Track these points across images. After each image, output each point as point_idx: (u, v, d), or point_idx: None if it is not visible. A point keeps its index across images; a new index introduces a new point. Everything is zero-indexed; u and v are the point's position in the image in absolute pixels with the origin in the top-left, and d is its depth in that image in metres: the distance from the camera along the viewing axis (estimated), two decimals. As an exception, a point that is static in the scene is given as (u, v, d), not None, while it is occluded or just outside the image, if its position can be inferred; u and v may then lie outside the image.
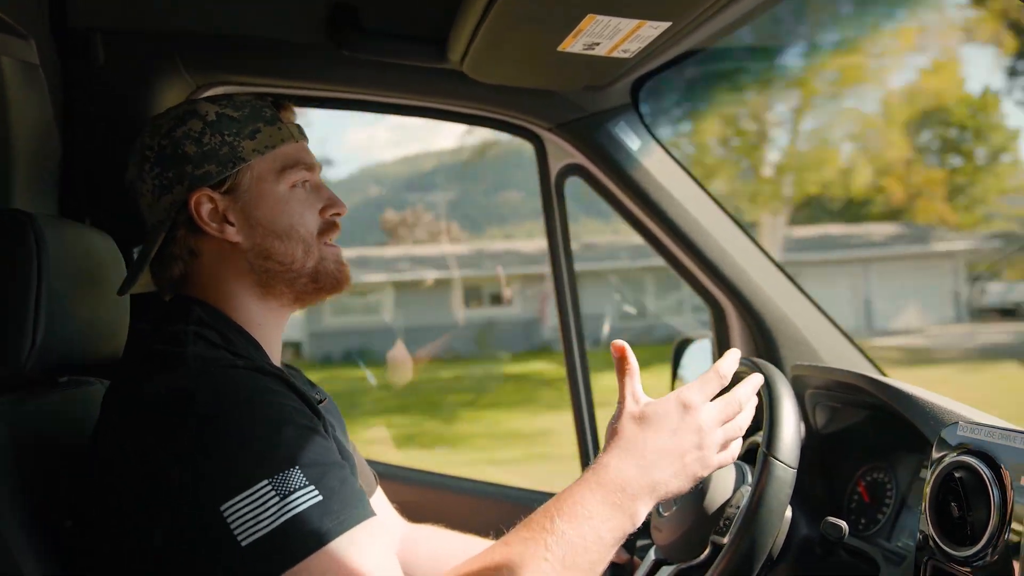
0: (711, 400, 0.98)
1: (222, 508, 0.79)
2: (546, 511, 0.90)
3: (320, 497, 0.81)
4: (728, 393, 1.00)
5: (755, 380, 1.04)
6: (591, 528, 0.89)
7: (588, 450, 1.73)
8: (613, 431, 0.96)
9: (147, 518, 0.83)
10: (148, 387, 0.88)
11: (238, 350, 0.96)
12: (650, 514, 1.27)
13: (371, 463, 1.33)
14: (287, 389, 0.91)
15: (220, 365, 0.90)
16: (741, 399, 1.00)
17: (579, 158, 1.61)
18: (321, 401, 1.11)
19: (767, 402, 1.12)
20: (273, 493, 0.80)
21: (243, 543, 0.78)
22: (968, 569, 0.91)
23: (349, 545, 0.81)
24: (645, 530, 1.28)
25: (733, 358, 1.02)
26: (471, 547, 1.32)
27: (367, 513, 0.85)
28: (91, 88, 1.34)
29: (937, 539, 0.95)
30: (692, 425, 0.95)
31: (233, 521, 0.79)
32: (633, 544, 1.38)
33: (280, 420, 0.85)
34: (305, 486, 0.81)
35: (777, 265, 1.63)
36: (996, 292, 15.00)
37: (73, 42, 1.32)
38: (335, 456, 0.88)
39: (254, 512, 0.79)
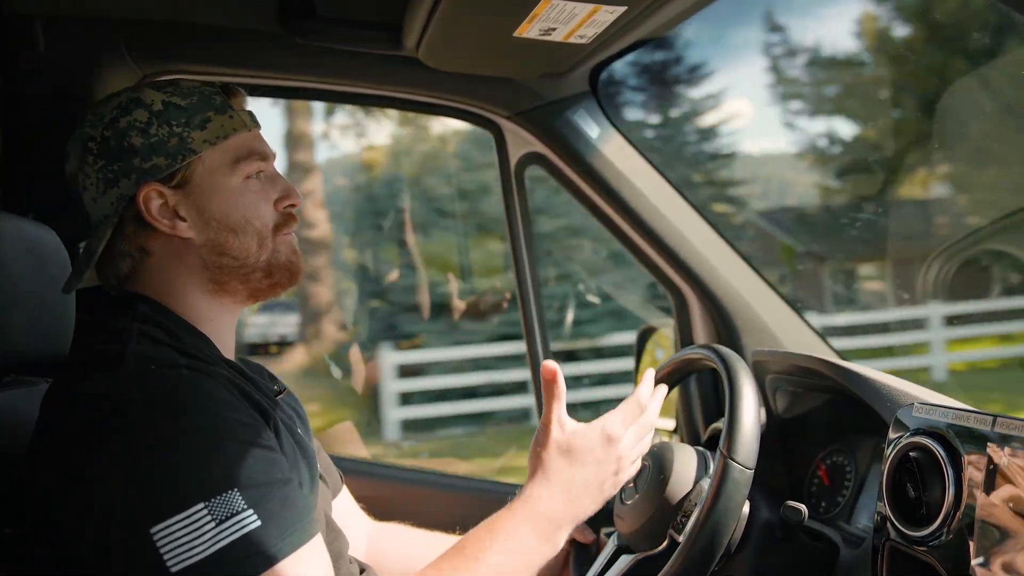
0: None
1: (153, 530, 0.76)
2: (478, 541, 0.95)
3: (259, 522, 0.78)
4: (640, 415, 1.07)
5: (648, 379, 1.12)
6: (521, 558, 0.95)
7: None
8: (539, 459, 1.01)
9: (74, 533, 0.79)
10: (84, 389, 0.85)
11: (186, 347, 0.93)
12: (612, 501, 1.28)
13: (335, 459, 1.31)
14: (234, 391, 0.88)
15: (162, 366, 0.86)
16: (651, 419, 1.09)
17: (538, 146, 1.60)
18: (280, 393, 1.08)
19: (728, 397, 1.11)
20: (209, 518, 0.77)
21: (173, 569, 0.75)
22: (924, 548, 0.92)
23: (286, 572, 0.79)
24: (609, 517, 1.28)
25: (650, 382, 1.11)
26: (438, 544, 1.31)
27: (307, 535, 0.83)
28: (33, 77, 1.29)
29: (894, 520, 0.96)
30: (613, 455, 1.03)
31: (164, 545, 0.76)
32: (599, 525, 1.38)
33: (220, 436, 0.82)
34: (243, 510, 0.78)
35: (737, 252, 1.64)
36: (259, 324, 11.98)
37: (12, 29, 1.27)
38: (278, 472, 0.85)
39: (188, 537, 0.76)
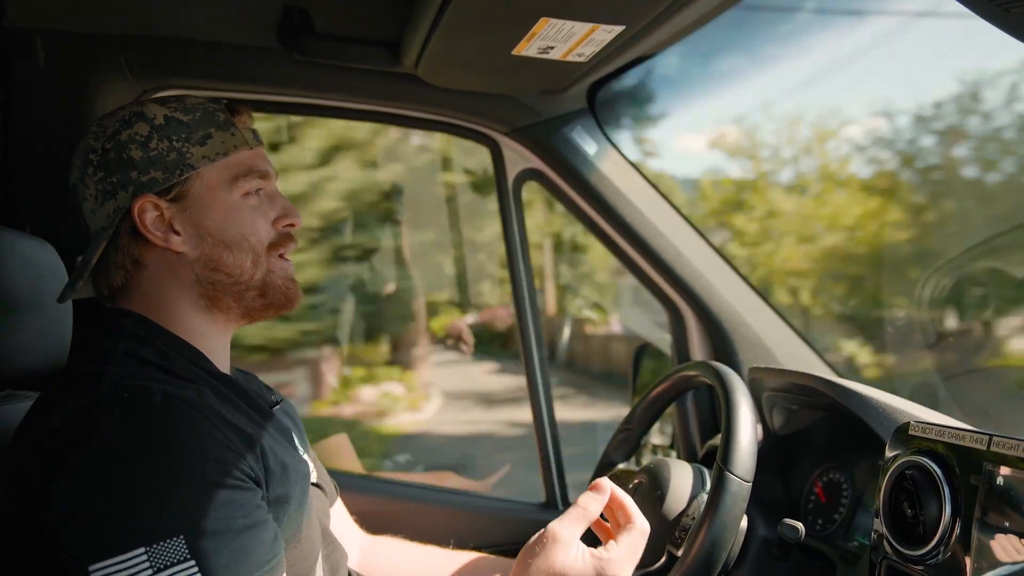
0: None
1: (91, 568, 0.74)
2: None
3: (199, 574, 0.76)
4: (633, 541, 0.97)
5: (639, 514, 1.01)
6: None
7: (548, 455, 1.72)
8: (525, 564, 0.92)
9: (23, 559, 0.78)
10: (54, 414, 0.84)
11: (174, 365, 0.92)
12: None
13: (332, 473, 1.31)
14: (213, 418, 0.86)
15: (135, 394, 0.84)
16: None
17: (536, 163, 1.61)
18: (276, 404, 1.08)
19: (724, 411, 1.11)
20: (147, 564, 0.75)
21: None
22: (921, 567, 0.92)
23: None
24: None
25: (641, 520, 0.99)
26: (429, 557, 1.31)
27: None
28: (32, 91, 1.30)
29: (890, 538, 0.96)
30: None
31: None
32: (595, 544, 1.37)
33: (178, 477, 0.80)
34: (184, 560, 0.76)
35: (734, 268, 1.64)
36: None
37: (12, 43, 1.27)
38: (240, 518, 0.82)
39: None
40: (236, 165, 0.99)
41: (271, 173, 1.03)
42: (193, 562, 0.76)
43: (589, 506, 0.96)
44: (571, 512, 0.95)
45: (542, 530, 0.95)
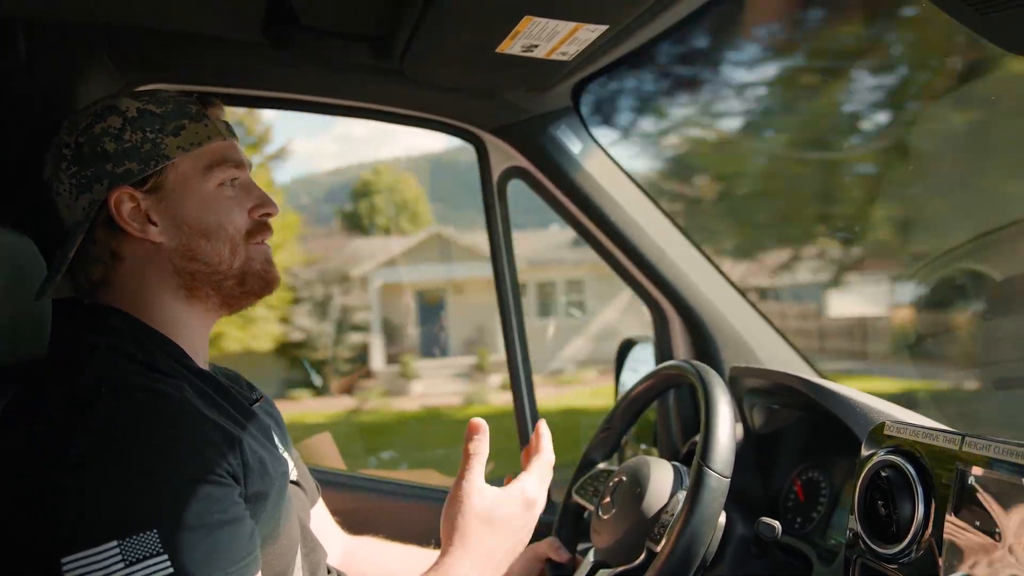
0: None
1: (64, 560, 0.74)
2: None
3: (171, 569, 0.76)
4: (550, 470, 1.07)
5: (546, 431, 1.11)
6: None
7: None
8: (457, 528, 0.97)
9: None
10: (33, 411, 0.84)
11: (157, 362, 0.92)
12: (590, 516, 1.28)
13: (313, 471, 1.30)
14: (194, 414, 0.86)
15: (114, 389, 0.84)
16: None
17: (521, 161, 1.61)
18: (256, 401, 1.08)
19: (704, 408, 1.13)
20: (119, 558, 0.75)
21: None
22: (895, 566, 0.93)
23: None
24: (586, 533, 1.28)
25: (548, 434, 1.10)
26: (410, 557, 1.31)
27: None
28: (12, 83, 1.28)
29: (865, 537, 0.97)
30: (531, 518, 1.02)
31: None
32: (574, 544, 1.38)
33: (154, 471, 0.80)
34: (157, 555, 0.75)
35: (717, 268, 1.65)
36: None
37: None
38: (216, 513, 0.81)
39: (95, 573, 0.74)
40: (210, 155, 1.00)
41: (245, 163, 1.04)
42: (166, 556, 0.76)
43: (478, 450, 1.00)
44: (464, 464, 1.00)
45: (448, 496, 0.99)
